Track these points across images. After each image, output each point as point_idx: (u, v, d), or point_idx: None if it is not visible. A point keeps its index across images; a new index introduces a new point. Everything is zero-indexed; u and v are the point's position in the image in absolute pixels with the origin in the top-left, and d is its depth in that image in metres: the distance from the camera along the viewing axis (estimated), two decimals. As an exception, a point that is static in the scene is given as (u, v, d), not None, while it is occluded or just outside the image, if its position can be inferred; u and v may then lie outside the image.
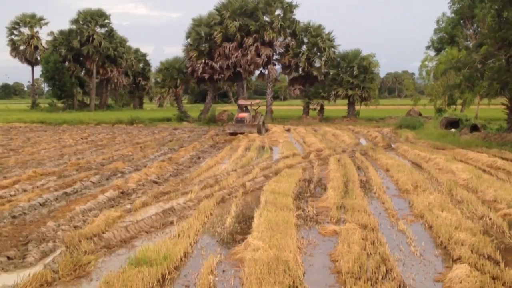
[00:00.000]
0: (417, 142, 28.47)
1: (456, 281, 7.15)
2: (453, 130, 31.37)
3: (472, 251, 8.31)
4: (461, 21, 47.71)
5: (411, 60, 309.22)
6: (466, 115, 33.78)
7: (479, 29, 44.38)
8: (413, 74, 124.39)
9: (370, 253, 8.30)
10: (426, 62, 46.90)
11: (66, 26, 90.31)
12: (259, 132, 34.18)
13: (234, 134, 33.46)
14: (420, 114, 46.43)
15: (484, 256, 8.08)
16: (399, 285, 7.01)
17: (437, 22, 50.09)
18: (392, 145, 27.69)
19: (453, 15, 47.99)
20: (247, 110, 36.34)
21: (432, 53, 49.91)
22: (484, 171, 17.30)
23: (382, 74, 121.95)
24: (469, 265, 7.60)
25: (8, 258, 8.41)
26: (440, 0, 50.27)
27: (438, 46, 49.83)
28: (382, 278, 7.28)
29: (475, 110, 41.96)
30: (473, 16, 43.11)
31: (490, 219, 10.78)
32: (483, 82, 28.29)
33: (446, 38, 48.87)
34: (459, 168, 17.13)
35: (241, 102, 39.30)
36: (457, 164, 18.34)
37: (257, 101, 40.79)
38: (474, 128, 30.09)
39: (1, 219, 10.74)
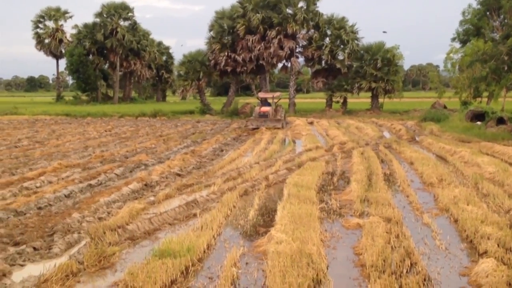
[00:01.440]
0: (442, 135, 28.16)
1: (482, 275, 7.09)
2: (478, 123, 30.90)
3: (498, 245, 8.22)
4: (488, 13, 47.03)
5: (435, 52, 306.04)
6: (492, 108, 33.23)
7: (505, 20, 43.84)
8: (437, 66, 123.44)
9: (395, 247, 8.25)
10: (451, 54, 46.22)
11: (90, 19, 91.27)
12: (282, 126, 33.08)
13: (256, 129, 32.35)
14: (445, 107, 45.88)
15: (510, 251, 7.99)
16: (424, 279, 6.96)
17: (463, 13, 49.32)
18: (417, 138, 27.44)
19: (479, 6, 47.36)
20: (267, 103, 35.00)
21: (457, 45, 49.19)
22: (511, 164, 17.07)
23: (406, 67, 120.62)
24: (495, 259, 7.52)
25: (34, 248, 8.51)
26: (466, -9, 49.64)
27: (463, 38, 49.08)
28: (406, 272, 7.23)
29: (502, 103, 41.32)
30: (499, 7, 42.60)
31: (517, 212, 10.63)
32: (509, 74, 27.90)
33: (472, 29, 48.11)
34: (485, 161, 16.92)
35: (261, 95, 37.82)
36: (483, 157, 18.11)
37: (278, 93, 39.10)
38: (500, 121, 29.58)
39: (27, 210, 10.87)
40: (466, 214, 10.11)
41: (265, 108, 33.91)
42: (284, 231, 8.78)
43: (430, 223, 9.99)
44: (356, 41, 49.46)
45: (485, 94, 42.05)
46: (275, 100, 35.60)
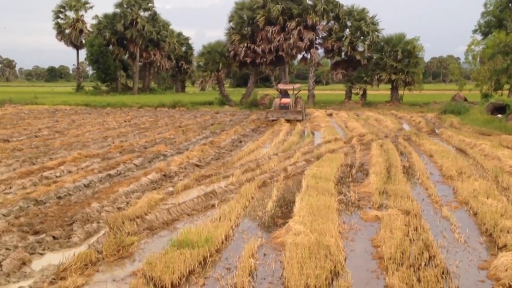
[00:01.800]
0: (462, 127, 27.90)
1: (501, 269, 7.05)
2: (499, 115, 30.56)
3: (518, 239, 8.13)
4: (510, 4, 46.43)
5: (456, 44, 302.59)
6: (513, 101, 32.87)
7: (529, 12, 43.19)
8: (458, 58, 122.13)
9: (413, 239, 8.23)
10: (472, 46, 45.64)
11: (110, 9, 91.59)
12: (303, 118, 32.75)
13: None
14: (465, 100, 45.44)
15: (530, 245, 7.90)
16: (443, 272, 6.93)
17: (485, 5, 48.76)
18: (436, 131, 27.21)
19: (501, -3, 46.79)
20: (287, 95, 34.41)
21: (479, 37, 48.70)
22: (532, 157, 16.86)
23: (426, 59, 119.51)
24: (515, 253, 7.43)
25: (54, 237, 8.62)
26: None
27: (485, 30, 48.55)
28: (425, 265, 7.22)
29: (523, 96, 40.88)
30: (523, -2, 41.95)
31: (536, 206, 10.51)
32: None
33: (494, 21, 47.57)
34: (505, 155, 16.74)
35: (281, 86, 37.11)
36: (503, 150, 17.92)
37: (298, 85, 37.64)
38: (522, 114, 29.24)
39: (47, 200, 11.00)
40: (485, 207, 10.04)
41: (285, 100, 33.44)
42: (302, 223, 8.80)
43: (449, 216, 9.94)
44: (376, 33, 49.05)
45: (506, 86, 41.61)
46: (295, 92, 34.93)
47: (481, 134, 24.35)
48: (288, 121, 31.29)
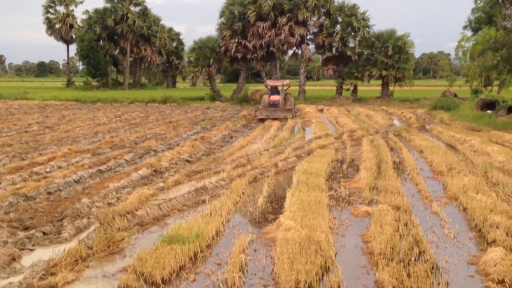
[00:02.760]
0: (452, 123, 28.09)
1: (490, 264, 7.10)
2: (489, 111, 30.76)
3: (507, 234, 8.21)
4: (500, 1, 46.61)
5: (446, 40, 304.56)
6: (503, 97, 33.04)
7: (518, 8, 43.43)
8: (448, 54, 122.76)
9: (403, 235, 8.27)
10: (462, 43, 45.97)
11: (101, 4, 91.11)
12: (292, 116, 31.47)
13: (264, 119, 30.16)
14: (455, 95, 45.71)
15: (520, 240, 7.96)
16: (432, 267, 6.95)
17: (475, 1, 48.98)
18: (426, 127, 27.40)
19: (491, -6, 46.98)
20: (277, 92, 32.72)
21: (469, 33, 48.96)
22: (521, 153, 17.00)
23: (416, 55, 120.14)
24: (504, 248, 7.54)
25: (44, 233, 8.58)
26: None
27: (475, 26, 48.81)
28: (414, 260, 7.25)
29: (513, 92, 41.11)
30: (512, -5, 42.15)
31: (526, 202, 10.61)
32: (521, 63, 27.70)
33: (484, 17, 47.80)
34: (495, 150, 16.85)
35: (270, 83, 35.09)
36: (493, 146, 18.05)
37: (287, 81, 35.75)
38: (511, 109, 29.43)
39: (37, 195, 10.95)
40: (475, 203, 10.10)
41: (275, 97, 31.81)
42: (293, 218, 8.82)
43: (439, 212, 9.99)
44: (367, 29, 49.26)
45: (496, 82, 41.88)
46: (285, 88, 33.28)
47: (471, 130, 24.55)
48: (277, 119, 29.86)
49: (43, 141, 19.61)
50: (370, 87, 58.63)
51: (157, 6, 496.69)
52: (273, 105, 31.29)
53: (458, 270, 7.25)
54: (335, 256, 7.57)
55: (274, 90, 33.15)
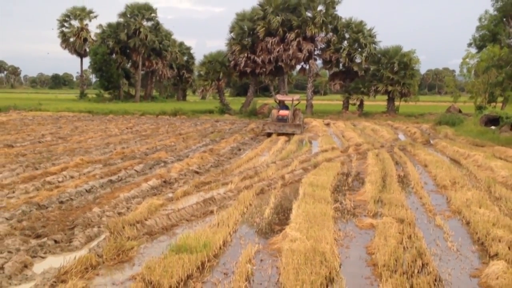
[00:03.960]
0: (456, 138, 28.08)
1: (492, 277, 7.16)
2: (493, 127, 30.76)
3: (509, 248, 8.29)
4: (504, 19, 46.85)
5: (450, 57, 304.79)
6: (506, 113, 33.04)
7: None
8: (453, 71, 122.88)
9: (407, 247, 8.34)
10: (467, 60, 46.01)
11: (114, 19, 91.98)
12: (301, 132, 30.41)
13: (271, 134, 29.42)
14: (460, 111, 45.64)
15: (521, 253, 8.02)
16: (435, 279, 7.03)
17: (480, 19, 49.18)
18: (431, 141, 27.39)
19: (496, 12, 47.19)
20: (285, 107, 31.76)
21: (473, 50, 49.00)
22: (524, 169, 17.06)
23: (422, 71, 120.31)
24: (506, 262, 7.59)
25: (55, 241, 8.71)
26: (482, -2, 49.38)
27: (480, 43, 48.91)
28: (418, 272, 7.31)
29: (516, 108, 41.15)
30: (516, 14, 42.38)
31: (528, 217, 10.67)
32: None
33: (488, 35, 47.94)
34: (498, 166, 16.89)
35: (279, 97, 34.03)
36: (496, 161, 18.08)
37: (297, 96, 34.84)
38: (515, 125, 29.49)
39: (49, 204, 11.11)
40: (478, 216, 10.19)
41: (284, 112, 30.72)
42: (299, 230, 8.91)
43: (442, 225, 10.08)
44: (373, 45, 49.54)
45: (500, 99, 41.88)
46: (295, 102, 32.91)
47: (474, 145, 24.57)
48: (284, 134, 29.03)
49: (56, 151, 19.82)
50: (376, 102, 58.69)
51: (169, 21, 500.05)
52: (282, 120, 30.30)
53: (460, 282, 7.32)
54: (340, 267, 7.66)
55: (283, 105, 32.25)
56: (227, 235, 9.13)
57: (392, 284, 6.78)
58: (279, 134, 29.01)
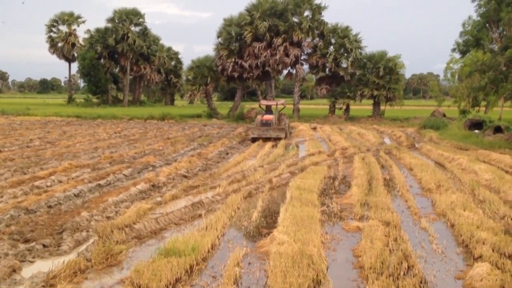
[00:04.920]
0: (440, 142, 28.33)
1: (477, 278, 7.25)
2: (476, 131, 31.15)
3: (493, 250, 8.39)
4: (487, 24, 47.48)
5: (434, 62, 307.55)
6: (489, 117, 33.48)
7: (504, 32, 44.36)
8: (438, 76, 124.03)
9: (392, 250, 8.44)
10: (451, 64, 46.67)
11: (102, 24, 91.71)
12: (286, 136, 29.69)
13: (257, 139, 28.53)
14: (444, 115, 46.02)
15: (505, 255, 8.16)
16: (421, 281, 7.11)
17: (463, 25, 49.86)
18: (416, 145, 27.62)
19: (479, 18, 47.80)
20: (270, 112, 30.92)
21: (457, 55, 49.69)
22: (507, 172, 17.30)
23: (407, 76, 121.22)
24: (490, 264, 7.68)
25: (44, 245, 8.72)
26: (465, 4, 50.05)
27: (463, 48, 49.52)
28: (403, 274, 7.39)
29: (499, 112, 41.57)
30: (499, 19, 43.03)
31: (511, 219, 10.82)
32: (507, 84, 28.21)
33: (472, 40, 48.57)
34: (482, 169, 17.10)
35: (264, 102, 33.46)
36: (480, 164, 18.30)
37: (282, 101, 34.24)
38: (498, 129, 29.84)
39: (38, 209, 11.11)
40: (462, 219, 10.31)
41: (268, 117, 29.91)
42: (286, 233, 8.97)
43: (427, 228, 10.18)
44: (359, 50, 49.86)
45: (483, 103, 42.39)
46: (282, 106, 32.27)
47: (459, 148, 24.84)
48: (269, 140, 28.13)
49: (44, 156, 19.75)
50: (362, 106, 59.07)
51: (157, 26, 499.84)
52: (266, 124, 29.48)
53: (445, 284, 7.42)
54: (327, 269, 7.74)
55: (268, 110, 31.56)
56: (215, 238, 9.18)
57: (378, 286, 6.86)
58: (266, 139, 28.33)
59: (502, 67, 25.88)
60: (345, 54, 49.66)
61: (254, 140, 28.58)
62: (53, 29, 76.76)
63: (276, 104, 31.40)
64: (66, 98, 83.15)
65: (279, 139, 28.19)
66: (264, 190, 13.84)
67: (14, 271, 7.60)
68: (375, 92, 49.37)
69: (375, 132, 36.29)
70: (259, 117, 30.53)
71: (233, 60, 49.15)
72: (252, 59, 48.86)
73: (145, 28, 73.18)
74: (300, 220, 9.89)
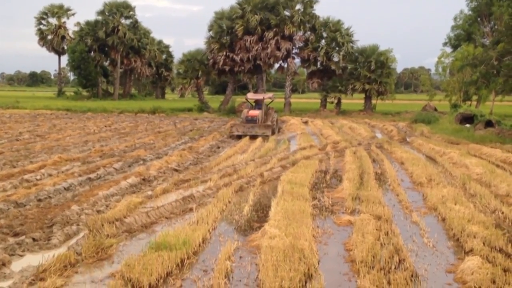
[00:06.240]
0: (432, 136, 28.47)
1: (467, 272, 7.28)
2: (467, 125, 31.34)
3: (484, 244, 8.41)
4: (478, 19, 47.78)
5: (425, 56, 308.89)
6: (481, 111, 33.73)
7: (496, 26, 44.65)
8: (429, 70, 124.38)
9: (384, 244, 8.45)
10: (442, 59, 46.93)
11: (92, 17, 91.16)
12: (273, 133, 28.12)
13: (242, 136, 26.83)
14: (435, 109, 46.26)
15: (496, 249, 8.19)
16: (412, 275, 7.13)
17: (455, 19, 50.16)
18: (407, 139, 27.74)
19: (470, 12, 48.03)
20: (259, 106, 29.09)
21: (448, 49, 50.02)
22: (498, 166, 17.40)
23: (398, 70, 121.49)
24: (481, 257, 7.71)
25: (34, 239, 8.68)
26: (456, -2, 50.41)
27: (454, 43, 49.83)
28: (395, 268, 7.41)
29: (490, 106, 41.85)
30: (490, 13, 43.34)
31: (502, 213, 10.90)
32: (498, 79, 28.37)
33: (463, 35, 48.89)
34: (473, 163, 17.18)
35: (250, 96, 31.99)
36: (471, 158, 18.39)
37: (270, 94, 32.73)
38: (489, 123, 30.03)
39: (27, 202, 11.06)
40: (453, 213, 10.35)
41: (254, 112, 28.06)
42: (278, 227, 8.97)
43: (418, 222, 10.23)
44: (351, 44, 49.95)
45: (474, 97, 42.64)
46: (268, 101, 30.43)
47: (450, 142, 24.97)
48: (254, 136, 26.49)
49: (34, 149, 19.67)
50: (354, 100, 59.18)
51: (147, 19, 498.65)
52: (251, 120, 27.55)
53: (436, 278, 7.44)
54: (318, 263, 7.75)
55: (258, 104, 29.64)
56: (206, 232, 9.16)
57: (369, 280, 6.86)
58: (251, 136, 26.51)
59: (493, 61, 25.98)
60: (337, 48, 49.69)
61: (239, 137, 26.85)
62: (43, 21, 76.34)
63: (263, 98, 29.69)
64: (56, 91, 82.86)
65: (266, 136, 26.62)
66: (255, 184, 13.83)
67: (3, 264, 7.57)
68: (367, 86, 49.61)
69: (366, 126, 36.41)
70: (245, 112, 28.88)
71: (224, 53, 49.08)
72: (243, 52, 48.80)
73: (136, 21, 72.89)
74: (291, 214, 9.89)
